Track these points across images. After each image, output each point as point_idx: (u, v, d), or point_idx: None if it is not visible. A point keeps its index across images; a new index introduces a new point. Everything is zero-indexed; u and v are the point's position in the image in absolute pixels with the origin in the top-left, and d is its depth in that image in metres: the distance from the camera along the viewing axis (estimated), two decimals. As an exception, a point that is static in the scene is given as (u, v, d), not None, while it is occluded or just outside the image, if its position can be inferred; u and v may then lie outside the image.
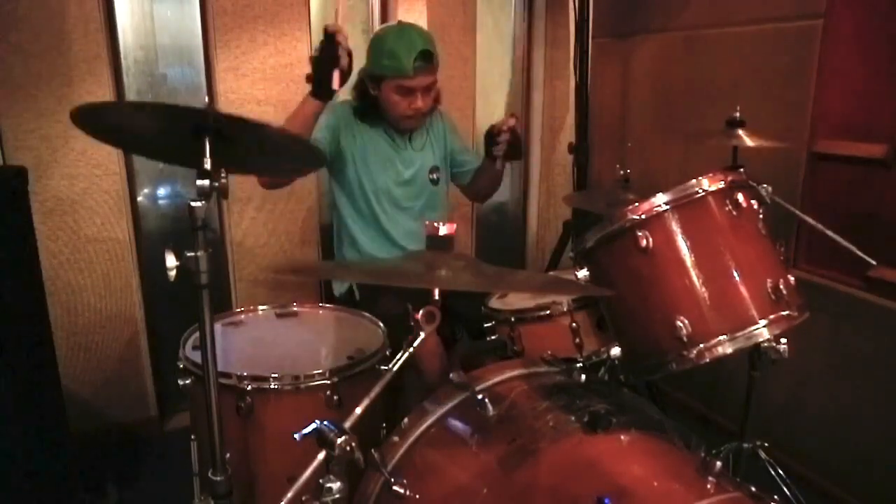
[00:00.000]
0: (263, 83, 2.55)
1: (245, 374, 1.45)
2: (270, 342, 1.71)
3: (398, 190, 2.14)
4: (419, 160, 2.18)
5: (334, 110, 2.08)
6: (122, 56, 2.44)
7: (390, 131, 2.12)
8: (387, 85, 1.99)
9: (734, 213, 1.33)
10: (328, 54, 1.76)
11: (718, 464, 1.04)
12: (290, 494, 1.07)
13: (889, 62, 1.94)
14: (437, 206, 2.23)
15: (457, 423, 1.28)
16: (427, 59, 1.95)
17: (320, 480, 1.02)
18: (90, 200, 2.40)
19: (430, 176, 2.20)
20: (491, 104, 3.22)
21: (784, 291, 1.31)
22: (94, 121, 1.29)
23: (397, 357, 1.18)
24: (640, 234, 1.31)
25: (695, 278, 1.29)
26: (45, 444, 1.83)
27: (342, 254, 2.25)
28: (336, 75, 1.77)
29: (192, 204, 1.16)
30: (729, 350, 1.28)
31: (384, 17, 2.82)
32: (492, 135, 2.06)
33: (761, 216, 1.40)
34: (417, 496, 1.18)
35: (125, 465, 2.41)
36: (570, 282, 1.43)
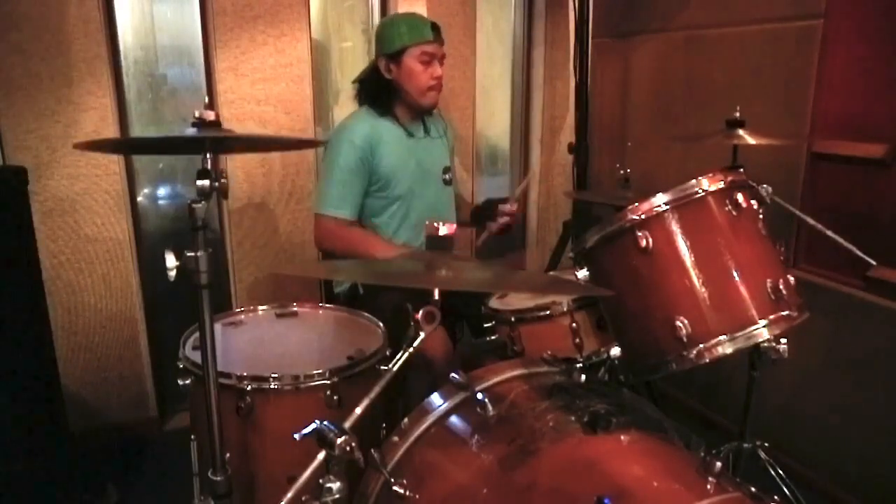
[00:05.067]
0: (263, 83, 2.55)
1: (245, 374, 1.45)
2: (270, 342, 1.70)
3: (418, 185, 2.13)
4: (435, 151, 2.19)
5: (359, 131, 2.04)
6: (122, 56, 2.45)
7: (404, 123, 2.12)
8: (409, 55, 2.02)
9: (734, 213, 1.33)
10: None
11: (718, 464, 1.04)
12: (290, 494, 1.07)
13: (889, 62, 1.94)
14: (448, 207, 2.24)
15: (457, 423, 1.28)
16: (437, 30, 2.05)
17: (320, 480, 1.02)
18: (90, 200, 2.40)
19: (444, 176, 2.21)
20: (491, 104, 3.22)
21: (784, 291, 1.31)
22: (98, 146, 1.31)
23: (397, 357, 1.18)
24: (639, 234, 1.30)
25: (694, 278, 1.29)
26: (45, 444, 1.83)
27: None
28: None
29: (193, 204, 1.16)
30: (729, 350, 1.28)
31: (384, 16, 2.83)
32: (491, 208, 2.16)
33: (761, 216, 1.40)
34: (417, 496, 1.18)
35: (125, 465, 2.41)
36: (570, 282, 1.43)
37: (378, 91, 2.09)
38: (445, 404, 1.29)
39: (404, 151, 2.11)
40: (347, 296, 2.16)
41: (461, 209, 2.40)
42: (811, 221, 1.76)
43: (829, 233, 1.72)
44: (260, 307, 1.87)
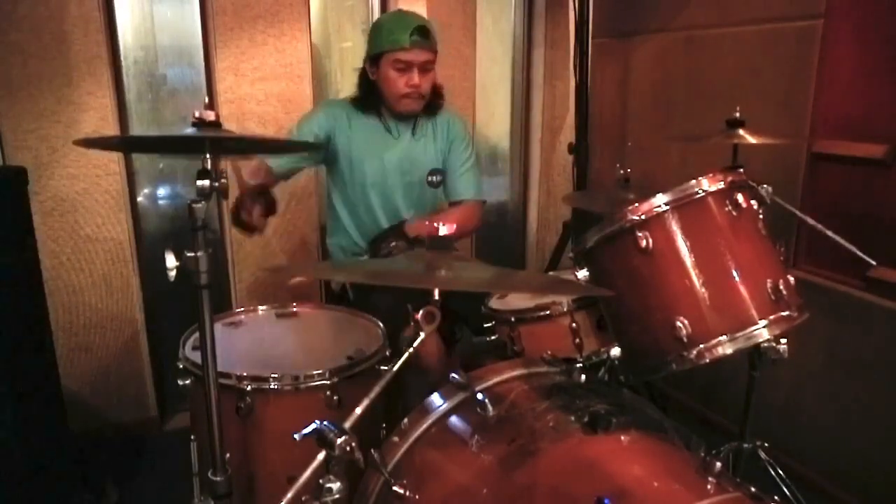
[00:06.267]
0: (263, 83, 2.55)
1: (245, 374, 1.45)
2: (270, 342, 1.71)
3: (392, 180, 2.14)
4: (418, 152, 2.17)
5: (326, 111, 2.12)
6: (122, 56, 2.45)
7: (388, 121, 2.13)
8: (385, 61, 2.01)
9: (734, 213, 1.33)
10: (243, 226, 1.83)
11: (718, 464, 1.04)
12: (290, 494, 1.07)
13: (889, 62, 1.94)
14: (433, 208, 2.23)
15: (457, 424, 1.28)
16: (424, 35, 1.98)
17: (320, 480, 1.02)
18: (90, 200, 2.40)
19: (430, 178, 2.19)
20: (491, 104, 3.22)
21: (784, 292, 1.31)
22: (99, 143, 1.31)
23: (397, 357, 1.18)
24: (639, 234, 1.30)
25: (695, 279, 1.29)
26: (45, 444, 1.83)
27: (331, 242, 2.26)
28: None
29: (193, 204, 1.16)
30: (729, 350, 1.28)
31: (384, 16, 2.83)
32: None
33: (761, 216, 1.40)
34: (417, 496, 1.18)
35: (125, 465, 2.41)
36: (570, 282, 1.43)
37: (364, 90, 2.11)
38: (445, 404, 1.30)
39: (378, 145, 2.12)
40: (340, 295, 2.17)
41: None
42: (811, 221, 1.76)
43: (829, 233, 1.71)
44: (260, 307, 1.87)
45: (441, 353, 1.89)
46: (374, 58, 2.04)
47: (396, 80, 2.02)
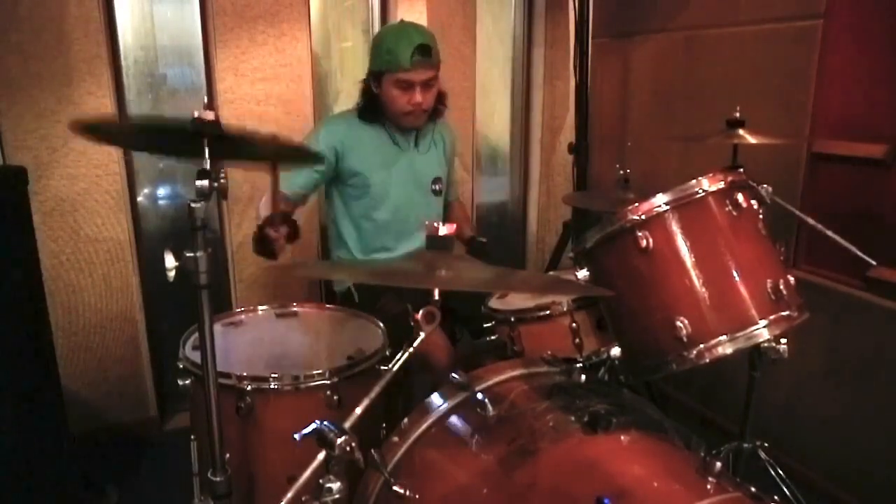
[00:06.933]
0: (263, 83, 2.55)
1: (245, 374, 1.45)
2: (270, 342, 1.71)
3: (400, 192, 2.14)
4: (422, 163, 2.17)
5: (328, 128, 2.11)
6: (122, 56, 2.45)
7: (393, 133, 2.12)
8: (387, 80, 2.00)
9: (734, 213, 1.33)
10: (266, 248, 1.69)
11: (718, 464, 1.04)
12: (290, 494, 1.07)
13: (889, 62, 1.94)
14: (437, 216, 2.24)
15: (457, 424, 1.28)
16: (425, 53, 1.95)
17: (320, 480, 1.02)
18: (90, 200, 2.40)
19: (433, 186, 2.20)
20: (491, 104, 3.22)
21: (784, 292, 1.31)
22: (94, 130, 1.29)
23: (397, 357, 1.18)
24: (640, 234, 1.30)
25: (695, 278, 1.29)
26: (44, 444, 1.83)
27: (336, 255, 2.25)
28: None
29: (192, 204, 1.16)
30: (729, 350, 1.28)
31: (384, 17, 2.83)
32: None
33: (761, 216, 1.40)
34: (417, 496, 1.18)
35: (125, 465, 2.41)
36: (570, 282, 1.43)
37: (368, 102, 2.10)
38: (445, 404, 1.30)
39: (386, 157, 2.12)
40: (344, 299, 2.17)
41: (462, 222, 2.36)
42: (811, 221, 1.76)
43: (829, 233, 1.71)
44: (260, 307, 1.87)
45: (449, 349, 1.89)
46: (375, 74, 2.03)
47: (399, 99, 2.00)
